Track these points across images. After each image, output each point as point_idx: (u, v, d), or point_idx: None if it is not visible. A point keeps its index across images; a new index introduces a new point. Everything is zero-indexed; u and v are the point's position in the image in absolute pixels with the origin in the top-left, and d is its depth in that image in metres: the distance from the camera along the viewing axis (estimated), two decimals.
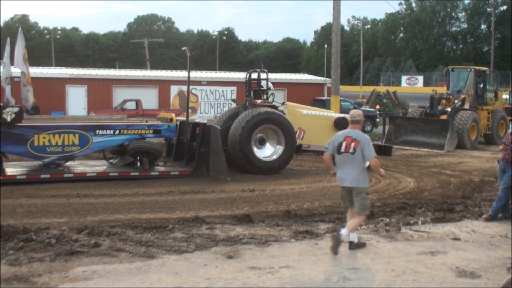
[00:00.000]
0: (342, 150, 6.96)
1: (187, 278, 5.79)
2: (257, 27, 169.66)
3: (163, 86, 31.74)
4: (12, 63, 15.99)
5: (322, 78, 36.70)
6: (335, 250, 6.66)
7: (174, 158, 13.69)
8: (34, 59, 74.82)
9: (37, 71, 32.18)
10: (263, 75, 14.62)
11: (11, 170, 11.86)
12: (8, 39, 14.27)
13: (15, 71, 14.22)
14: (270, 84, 14.69)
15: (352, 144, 6.90)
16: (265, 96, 14.45)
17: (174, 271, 5.98)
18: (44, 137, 11.71)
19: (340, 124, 14.47)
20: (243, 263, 6.37)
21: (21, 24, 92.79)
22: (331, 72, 21.73)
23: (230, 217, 8.62)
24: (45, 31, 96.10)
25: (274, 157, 13.51)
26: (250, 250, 6.89)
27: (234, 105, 16.21)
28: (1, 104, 12.53)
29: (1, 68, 13.56)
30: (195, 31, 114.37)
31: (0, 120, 11.19)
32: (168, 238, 7.29)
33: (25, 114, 20.51)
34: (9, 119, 11.33)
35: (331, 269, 6.25)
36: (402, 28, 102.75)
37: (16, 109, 11.54)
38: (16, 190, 10.44)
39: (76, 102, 29.73)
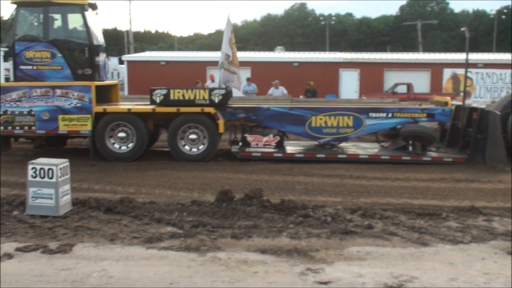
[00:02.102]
0: None
1: (463, 270, 5.55)
2: None
3: (436, 69, 30.84)
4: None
5: None
6: None
7: (447, 144, 13.20)
8: (309, 44, 78.92)
9: (313, 56, 33.93)
10: None
11: (290, 148, 12.78)
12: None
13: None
14: None
15: None
16: None
17: (448, 261, 5.78)
18: (321, 119, 12.34)
19: None
20: None
21: (298, 11, 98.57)
22: None
23: (510, 210, 7.98)
24: (321, 18, 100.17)
25: None
26: None
27: None
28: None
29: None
30: (470, 11, 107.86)
31: (209, 101, 12.20)
32: (442, 226, 7.06)
33: (302, 97, 21.76)
34: (216, 100, 12.23)
35: None
36: None
37: (223, 91, 12.37)
38: (294, 168, 11.20)
39: (348, 85, 30.58)
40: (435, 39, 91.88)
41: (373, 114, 12.38)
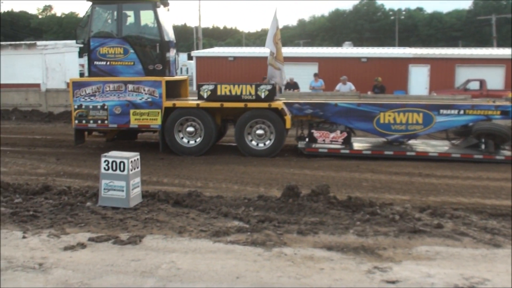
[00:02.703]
0: None
1: None
2: None
3: (511, 65, 29.63)
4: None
5: None
6: None
7: None
8: (378, 40, 77.60)
9: (382, 51, 33.36)
10: None
11: (357, 145, 12.64)
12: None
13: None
14: None
15: None
16: None
17: None
18: (389, 115, 12.13)
19: None
20: None
21: (367, 6, 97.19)
22: None
23: None
24: (390, 12, 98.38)
25: None
26: None
27: None
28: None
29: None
30: None
31: (255, 97, 12.23)
32: None
33: (370, 93, 21.48)
34: (262, 96, 12.20)
35: None
36: None
37: (269, 87, 12.28)
38: (361, 165, 11.08)
39: (418, 81, 29.87)
40: (510, 33, 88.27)
41: (444, 111, 12.06)
